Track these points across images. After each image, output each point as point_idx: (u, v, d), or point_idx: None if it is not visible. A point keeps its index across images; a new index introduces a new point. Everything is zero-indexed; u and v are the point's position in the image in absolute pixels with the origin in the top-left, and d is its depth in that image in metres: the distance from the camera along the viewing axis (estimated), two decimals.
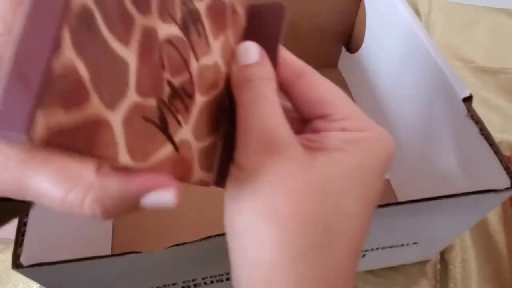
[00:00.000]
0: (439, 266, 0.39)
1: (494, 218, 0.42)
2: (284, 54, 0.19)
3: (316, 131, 0.18)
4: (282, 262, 0.15)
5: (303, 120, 0.19)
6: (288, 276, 0.15)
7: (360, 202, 0.16)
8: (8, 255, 0.40)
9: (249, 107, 0.17)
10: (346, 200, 0.16)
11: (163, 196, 0.14)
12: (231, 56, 0.19)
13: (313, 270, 0.15)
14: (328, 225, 0.16)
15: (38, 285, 0.38)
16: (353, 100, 0.47)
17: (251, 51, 0.18)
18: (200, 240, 0.23)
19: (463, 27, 0.62)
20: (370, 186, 0.17)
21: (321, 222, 0.15)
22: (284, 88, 0.19)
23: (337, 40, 0.53)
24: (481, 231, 0.41)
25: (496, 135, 0.48)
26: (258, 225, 0.15)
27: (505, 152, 0.47)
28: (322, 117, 0.18)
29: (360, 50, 0.48)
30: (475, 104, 0.29)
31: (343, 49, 0.53)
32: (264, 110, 0.16)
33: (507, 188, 0.25)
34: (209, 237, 0.23)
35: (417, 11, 0.65)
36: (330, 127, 0.17)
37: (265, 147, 0.16)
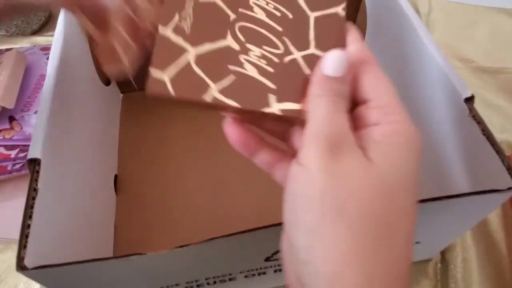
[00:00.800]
0: (440, 265, 0.40)
1: (494, 218, 0.42)
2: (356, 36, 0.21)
3: (355, 119, 0.19)
4: (350, 261, 0.16)
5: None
6: (356, 275, 0.16)
7: (410, 194, 0.17)
8: (8, 255, 0.40)
9: (320, 115, 0.18)
10: (399, 194, 0.17)
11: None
12: None
13: (378, 268, 0.16)
14: (389, 222, 0.16)
15: (38, 285, 0.38)
16: None
17: (339, 63, 0.19)
18: (204, 241, 0.23)
19: (463, 27, 0.62)
20: (414, 178, 0.18)
21: (383, 219, 0.16)
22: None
23: None
24: (482, 231, 0.41)
25: (496, 135, 0.48)
26: (326, 224, 0.16)
27: (505, 152, 0.47)
28: (362, 102, 0.19)
29: None
30: (475, 104, 0.29)
31: None
32: (334, 119, 0.18)
33: (509, 188, 0.25)
34: (212, 238, 0.23)
35: (417, 11, 0.65)
36: (368, 118, 0.19)
37: (331, 150, 0.17)
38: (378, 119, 0.19)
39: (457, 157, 0.31)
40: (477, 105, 0.28)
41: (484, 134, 0.27)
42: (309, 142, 0.18)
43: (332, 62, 0.19)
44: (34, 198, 0.24)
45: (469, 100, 0.29)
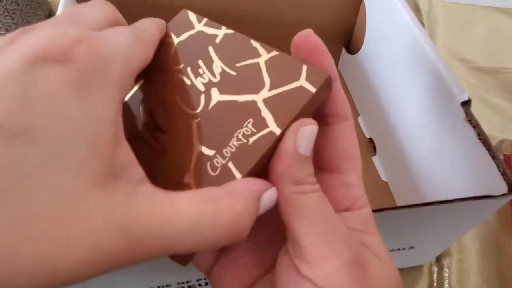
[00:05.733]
0: (435, 266, 0.40)
1: (492, 217, 0.42)
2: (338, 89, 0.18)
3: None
4: None
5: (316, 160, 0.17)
6: None
7: None
8: None
9: (323, 220, 0.16)
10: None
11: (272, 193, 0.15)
12: None
13: None
14: None
15: None
16: (352, 101, 0.47)
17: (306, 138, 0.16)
18: None
19: (462, 27, 0.62)
20: None
21: None
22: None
23: (337, 41, 0.52)
24: (479, 231, 0.41)
25: (496, 135, 0.48)
26: None
27: (505, 151, 0.47)
28: (335, 171, 0.18)
29: (360, 52, 0.48)
30: (474, 104, 0.28)
31: (343, 50, 0.53)
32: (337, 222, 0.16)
33: (504, 194, 0.24)
34: None
35: (418, 9, 0.65)
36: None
37: (356, 264, 0.15)
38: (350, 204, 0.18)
39: (453, 161, 0.31)
40: (477, 105, 0.28)
41: (480, 139, 0.27)
42: (327, 260, 0.15)
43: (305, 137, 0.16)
44: None
45: (466, 104, 0.28)
